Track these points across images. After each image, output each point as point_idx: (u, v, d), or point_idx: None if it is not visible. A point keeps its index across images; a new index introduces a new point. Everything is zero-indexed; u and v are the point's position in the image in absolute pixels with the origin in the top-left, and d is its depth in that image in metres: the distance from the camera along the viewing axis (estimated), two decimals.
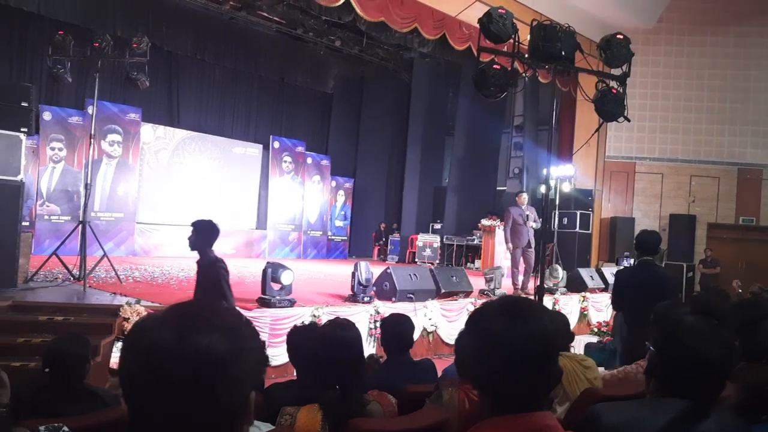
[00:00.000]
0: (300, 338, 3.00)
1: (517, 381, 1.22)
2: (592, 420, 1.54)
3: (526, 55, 5.26)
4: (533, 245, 9.80)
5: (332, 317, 7.06)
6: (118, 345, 5.52)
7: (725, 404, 1.89)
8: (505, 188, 18.30)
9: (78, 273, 7.51)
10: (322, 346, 2.37)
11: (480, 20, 5.16)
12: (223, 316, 0.96)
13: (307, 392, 2.35)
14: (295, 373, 3.22)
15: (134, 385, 0.90)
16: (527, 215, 9.76)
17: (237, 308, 4.55)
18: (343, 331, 2.44)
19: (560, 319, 3.94)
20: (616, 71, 5.75)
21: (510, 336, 1.22)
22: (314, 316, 6.88)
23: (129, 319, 5.76)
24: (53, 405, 2.69)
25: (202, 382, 0.87)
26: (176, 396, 0.87)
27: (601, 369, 3.77)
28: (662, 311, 2.95)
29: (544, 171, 12.99)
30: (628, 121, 5.61)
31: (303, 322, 4.73)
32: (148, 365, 0.88)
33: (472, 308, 8.64)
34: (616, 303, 5.29)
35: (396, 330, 3.52)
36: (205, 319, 0.93)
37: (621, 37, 5.41)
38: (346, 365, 2.30)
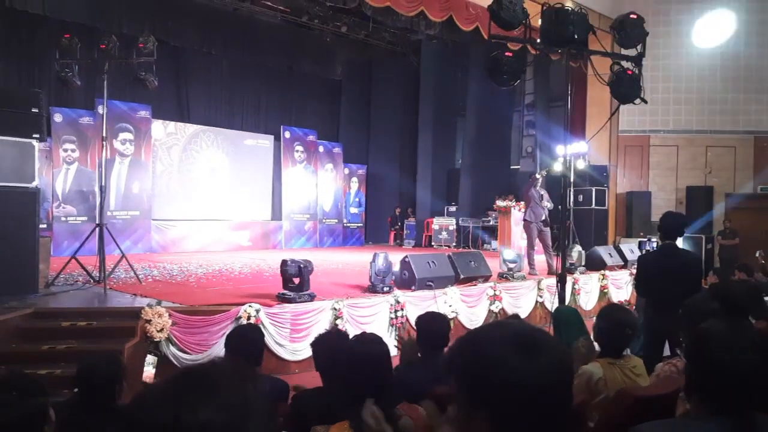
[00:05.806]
0: (325, 347, 2.99)
1: (532, 419, 1.07)
2: None
3: (538, 41, 5.17)
4: (549, 224, 10.23)
5: (353, 310, 7.10)
6: (149, 360, 5.53)
7: None
8: (518, 167, 18.16)
9: (98, 275, 7.56)
10: (350, 362, 2.35)
11: (490, 7, 5.07)
12: (228, 384, 0.92)
13: (335, 407, 2.33)
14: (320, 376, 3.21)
15: None
16: (542, 194, 10.25)
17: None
18: (371, 346, 2.42)
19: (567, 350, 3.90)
20: (630, 52, 5.65)
21: (530, 374, 1.06)
22: (335, 309, 6.88)
23: (151, 321, 5.78)
24: (86, 425, 2.70)
25: None
26: None
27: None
28: (691, 305, 2.89)
29: (557, 149, 12.92)
30: (645, 102, 5.51)
31: (326, 329, 4.71)
32: None
33: (492, 293, 8.61)
34: (640, 288, 5.24)
35: (431, 328, 3.58)
36: (205, 391, 0.89)
37: (635, 16, 5.30)
38: (375, 381, 2.27)
